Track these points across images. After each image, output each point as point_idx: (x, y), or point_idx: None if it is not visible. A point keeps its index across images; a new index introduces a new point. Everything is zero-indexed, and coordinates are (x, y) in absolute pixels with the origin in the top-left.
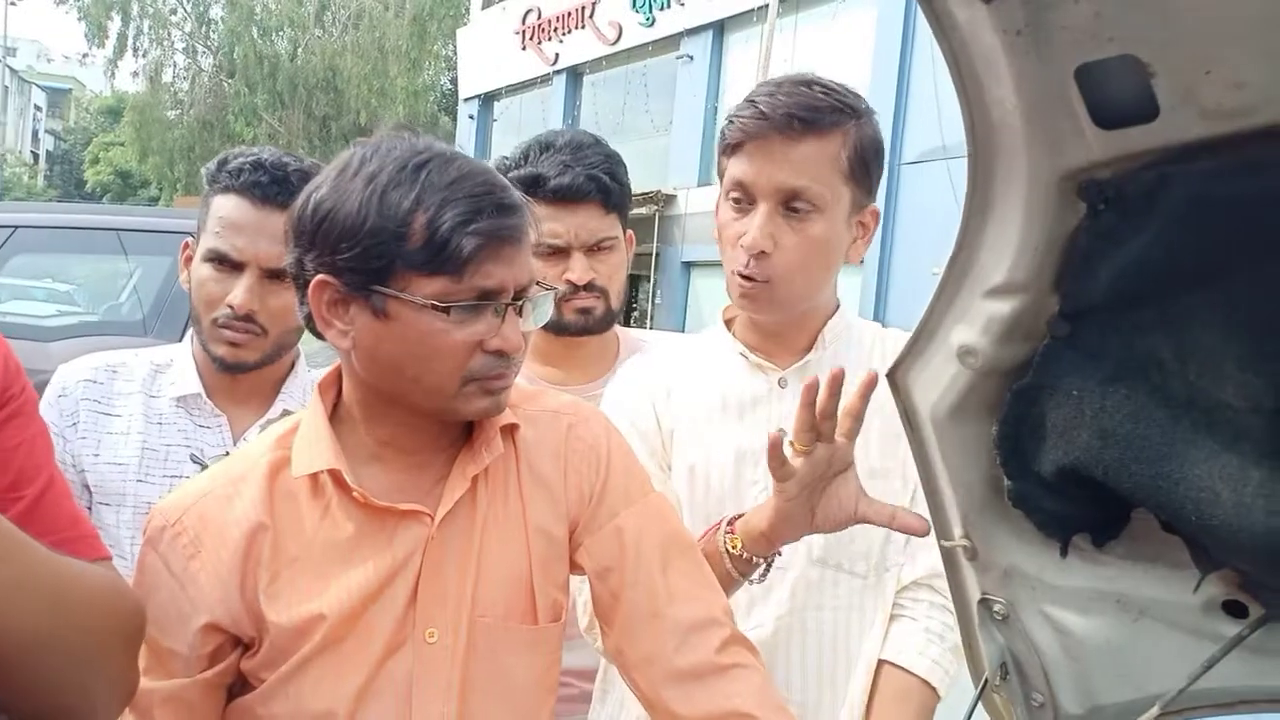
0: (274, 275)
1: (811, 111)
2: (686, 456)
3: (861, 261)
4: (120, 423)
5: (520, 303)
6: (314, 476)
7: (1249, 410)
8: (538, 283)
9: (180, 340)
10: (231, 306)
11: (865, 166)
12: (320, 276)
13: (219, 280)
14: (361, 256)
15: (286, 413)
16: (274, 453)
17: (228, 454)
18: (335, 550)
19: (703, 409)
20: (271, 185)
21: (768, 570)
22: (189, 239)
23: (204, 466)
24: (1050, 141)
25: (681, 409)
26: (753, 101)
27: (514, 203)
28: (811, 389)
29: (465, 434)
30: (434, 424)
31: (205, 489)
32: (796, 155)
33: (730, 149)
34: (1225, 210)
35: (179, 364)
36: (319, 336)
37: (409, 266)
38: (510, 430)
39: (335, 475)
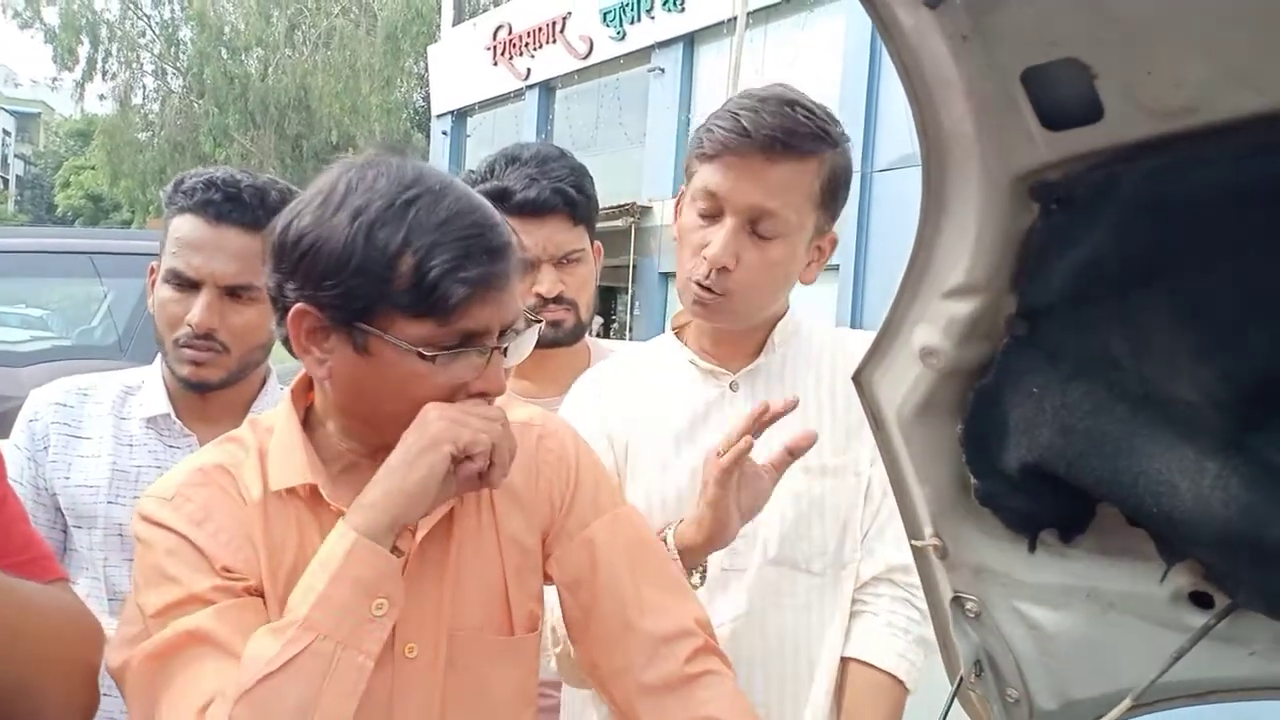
0: (232, 293)
1: (793, 136)
2: (641, 478)
3: (837, 269)
4: (90, 445)
5: (505, 345)
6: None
7: (1203, 403)
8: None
9: (154, 362)
10: (190, 325)
11: (834, 194)
12: (300, 305)
13: (178, 300)
14: (345, 295)
15: None
16: (255, 451)
17: None
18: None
19: (655, 427)
20: (225, 203)
21: (704, 577)
22: (155, 262)
23: None
24: (1001, 144)
25: (634, 428)
26: (735, 115)
27: (503, 243)
28: (762, 409)
29: None
30: None
31: (195, 466)
32: (773, 177)
33: (705, 156)
34: (1172, 208)
35: (149, 385)
36: (295, 356)
37: (394, 308)
38: None
39: (313, 489)
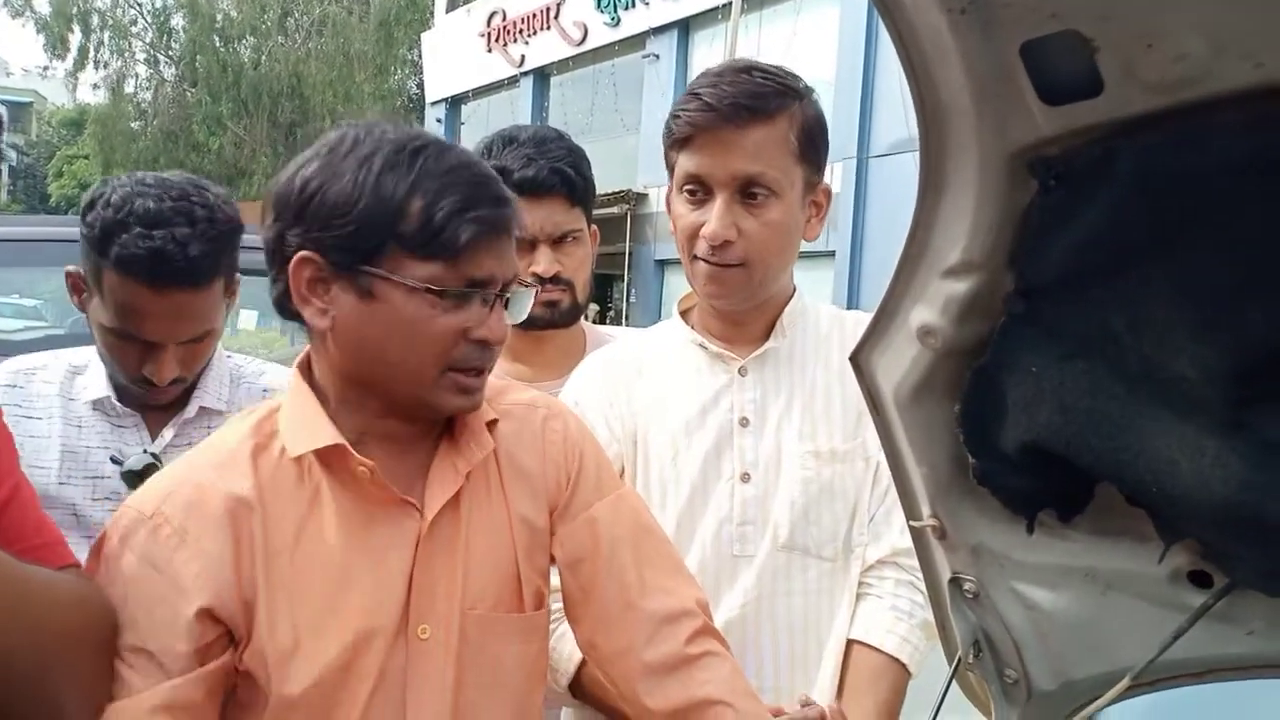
0: (192, 343)
1: (757, 99)
2: (654, 464)
3: (833, 255)
4: (41, 425)
5: (506, 296)
6: (300, 461)
7: (1203, 381)
8: (519, 280)
9: None
10: (153, 378)
11: (813, 145)
12: (303, 253)
13: (130, 350)
14: (354, 235)
15: (203, 410)
16: (253, 438)
17: (146, 452)
18: (324, 546)
19: (666, 414)
20: (162, 267)
21: None
22: (73, 269)
23: (121, 465)
24: (999, 119)
25: (644, 415)
26: (696, 94)
27: (507, 196)
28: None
29: (445, 427)
30: (411, 417)
31: (183, 477)
32: (748, 142)
33: (679, 143)
34: (1171, 183)
35: (93, 367)
36: (288, 317)
37: (403, 249)
38: (491, 425)
39: (325, 458)
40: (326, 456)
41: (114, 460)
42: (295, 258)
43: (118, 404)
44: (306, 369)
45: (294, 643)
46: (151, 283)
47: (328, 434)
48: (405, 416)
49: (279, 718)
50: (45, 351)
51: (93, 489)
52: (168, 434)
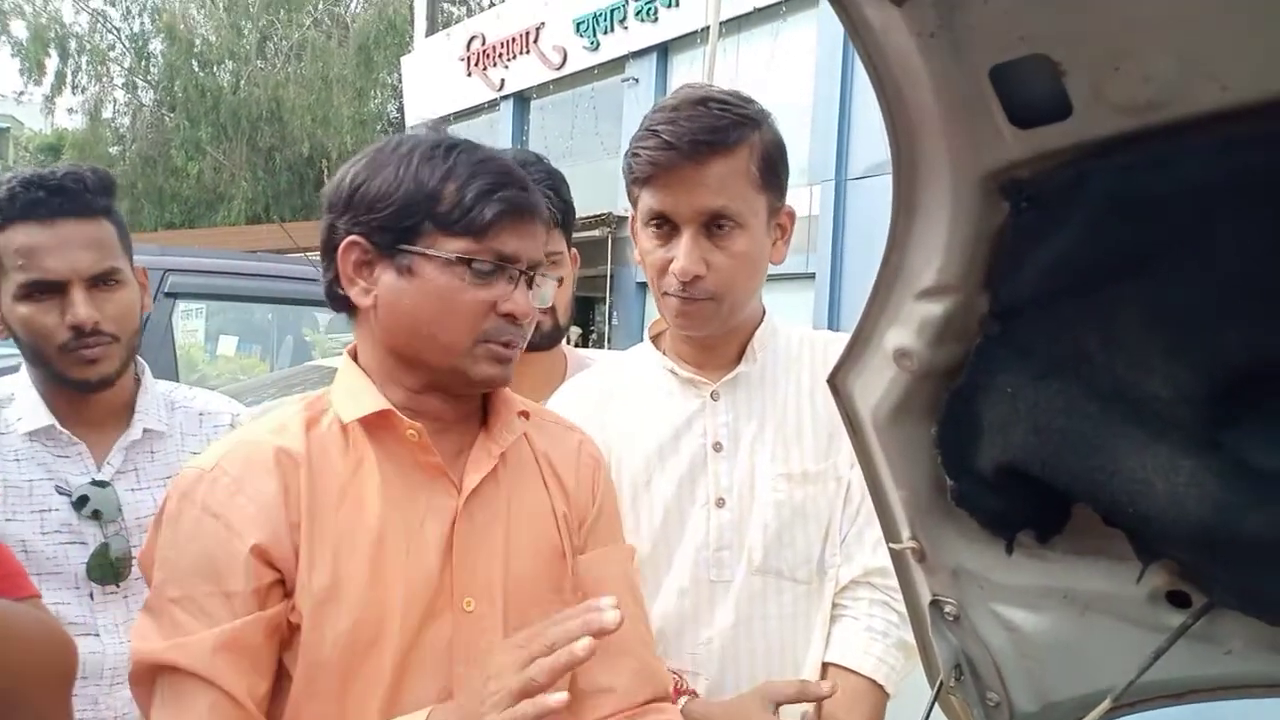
0: (99, 281)
1: (715, 133)
2: (627, 490)
3: (813, 277)
4: None
5: (531, 274)
6: (346, 432)
7: (1176, 400)
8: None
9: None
10: (76, 326)
11: (774, 171)
12: (351, 238)
13: (46, 310)
14: (395, 215)
15: (148, 431)
16: (305, 413)
17: (93, 480)
18: (364, 509)
19: (639, 439)
20: (53, 198)
21: None
22: None
23: (70, 496)
24: (970, 142)
25: (618, 441)
26: (654, 131)
27: (531, 187)
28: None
29: (481, 415)
30: (449, 393)
31: (239, 439)
32: (710, 177)
33: (640, 181)
34: (1142, 205)
35: (21, 399)
36: (337, 306)
37: (437, 226)
38: (523, 415)
39: (371, 426)
40: (374, 425)
41: (59, 490)
42: (343, 244)
43: (63, 430)
44: (353, 355)
45: (333, 585)
46: (42, 218)
47: (377, 401)
48: (444, 391)
49: (312, 672)
50: None
51: (41, 523)
52: (115, 459)
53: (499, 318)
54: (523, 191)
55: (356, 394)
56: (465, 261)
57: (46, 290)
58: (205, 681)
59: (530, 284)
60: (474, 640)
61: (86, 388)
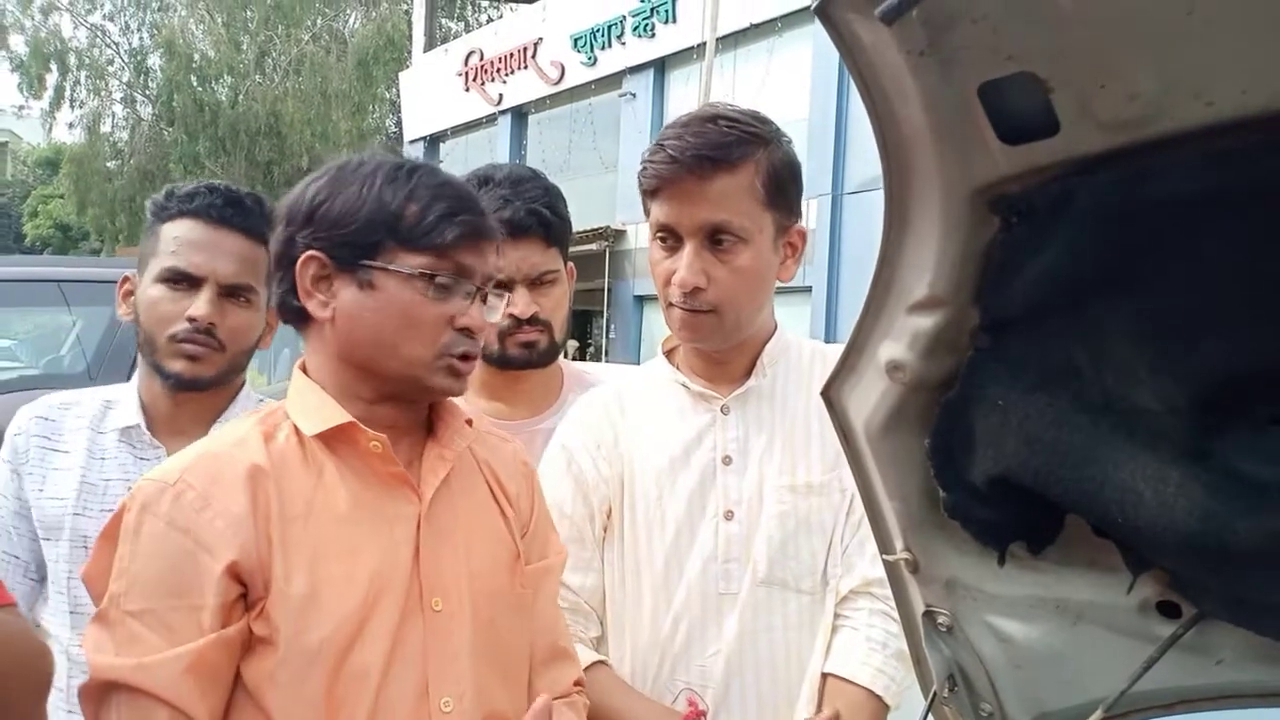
0: (232, 293)
1: (719, 149)
2: (640, 505)
3: (810, 290)
4: (66, 458)
5: (485, 292)
6: (304, 446)
7: (1164, 411)
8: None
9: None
10: (193, 319)
11: (782, 189)
12: (310, 252)
13: (175, 299)
14: (357, 232)
15: None
16: (260, 427)
17: None
18: (334, 516)
19: (650, 454)
20: (226, 207)
21: None
22: (129, 274)
23: None
24: (960, 158)
25: (630, 456)
26: (662, 145)
27: (485, 212)
28: None
29: (426, 425)
30: (403, 401)
31: (199, 452)
32: (712, 192)
33: (648, 193)
34: (1130, 220)
35: (125, 401)
36: (288, 317)
37: (398, 243)
38: (468, 424)
39: (331, 440)
40: (333, 438)
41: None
42: (302, 257)
43: (145, 432)
44: (303, 368)
45: (312, 591)
46: (210, 220)
47: (339, 414)
48: (398, 401)
49: (299, 676)
50: (85, 389)
51: (105, 522)
52: None
53: (455, 331)
54: (480, 216)
55: (317, 408)
56: (427, 276)
57: (183, 280)
58: (167, 704)
59: (485, 300)
60: (444, 637)
61: (178, 383)
